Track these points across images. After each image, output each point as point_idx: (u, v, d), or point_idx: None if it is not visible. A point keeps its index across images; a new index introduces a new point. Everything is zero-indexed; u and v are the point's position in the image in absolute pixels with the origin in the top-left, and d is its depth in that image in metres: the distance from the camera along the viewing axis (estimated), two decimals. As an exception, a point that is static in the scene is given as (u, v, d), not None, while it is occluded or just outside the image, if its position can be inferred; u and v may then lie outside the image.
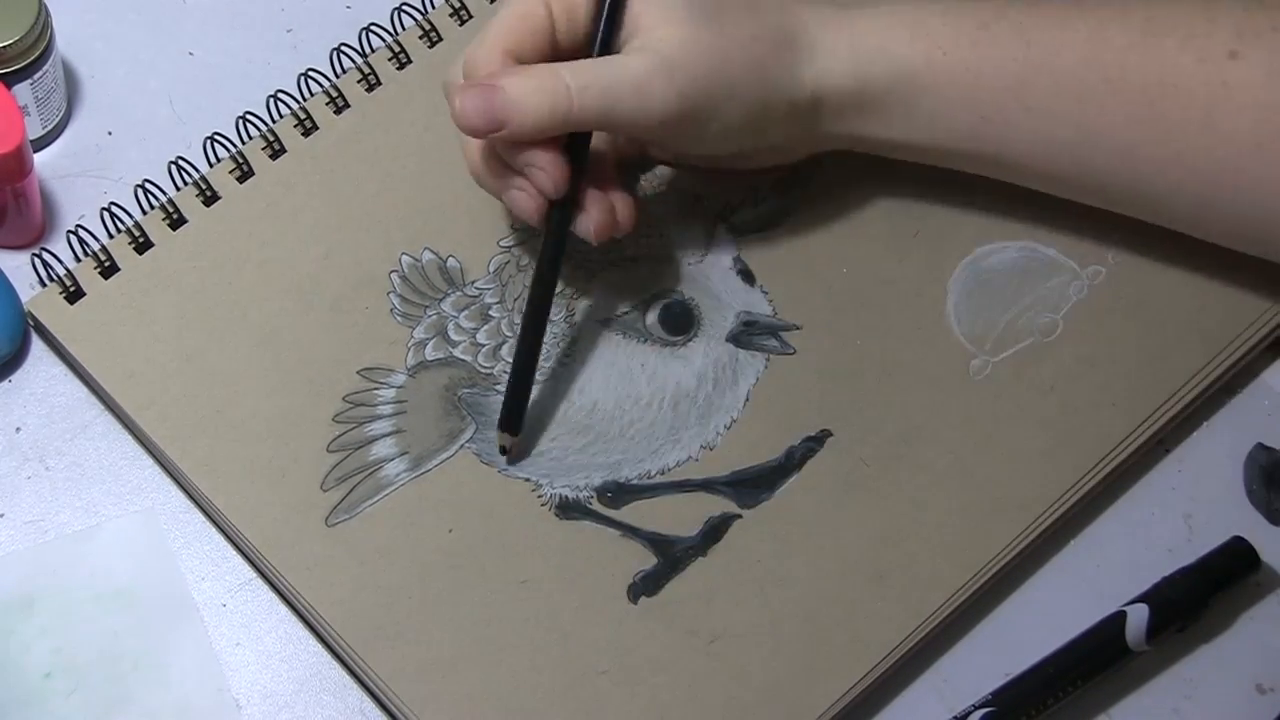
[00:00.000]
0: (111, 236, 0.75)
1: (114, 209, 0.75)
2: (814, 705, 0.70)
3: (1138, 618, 0.72)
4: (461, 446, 0.73)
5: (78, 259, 0.75)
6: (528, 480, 0.73)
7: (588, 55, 0.69)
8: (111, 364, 0.73)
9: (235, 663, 0.70)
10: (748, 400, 0.75)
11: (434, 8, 0.80)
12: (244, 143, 0.77)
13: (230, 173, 0.76)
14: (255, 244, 0.75)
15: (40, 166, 0.77)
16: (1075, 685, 0.71)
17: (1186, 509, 0.76)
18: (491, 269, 0.76)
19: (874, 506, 0.73)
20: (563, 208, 0.71)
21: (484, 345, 0.75)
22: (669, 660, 0.70)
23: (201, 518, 0.72)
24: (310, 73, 0.78)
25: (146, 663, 0.70)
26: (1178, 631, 0.73)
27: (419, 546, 0.71)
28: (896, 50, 0.71)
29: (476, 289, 0.76)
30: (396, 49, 0.79)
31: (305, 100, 0.78)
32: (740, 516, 0.73)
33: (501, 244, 0.76)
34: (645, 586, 0.72)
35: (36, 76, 0.75)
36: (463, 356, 0.74)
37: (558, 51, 0.70)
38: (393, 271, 0.75)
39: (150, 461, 0.73)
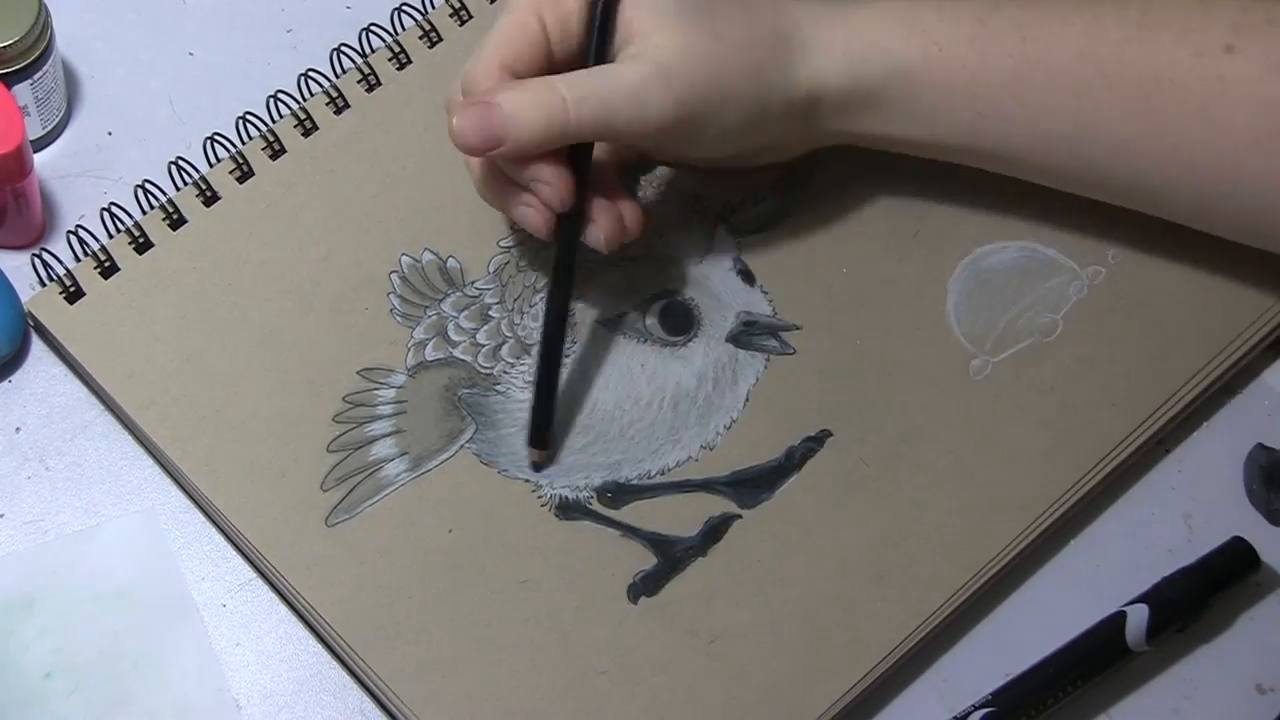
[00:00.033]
0: (111, 236, 0.75)
1: (114, 209, 0.75)
2: (814, 705, 0.70)
3: (1138, 618, 0.72)
4: (461, 447, 0.73)
5: (78, 259, 0.75)
6: (527, 480, 0.73)
7: (583, 66, 0.69)
8: (111, 364, 0.73)
9: (235, 663, 0.70)
10: (748, 400, 0.75)
11: (434, 8, 0.80)
12: (244, 143, 0.77)
13: (230, 173, 0.76)
14: (255, 244, 0.75)
15: (40, 166, 0.77)
16: (1075, 685, 0.71)
17: (1186, 509, 0.76)
18: (491, 269, 0.76)
19: (874, 506, 0.73)
20: (571, 220, 0.70)
21: (484, 345, 0.75)
22: (669, 660, 0.70)
23: (201, 518, 0.72)
24: (310, 73, 0.78)
25: (146, 663, 0.70)
26: (1178, 631, 0.73)
27: (419, 546, 0.71)
28: (892, 46, 0.71)
29: (476, 289, 0.75)
30: (396, 49, 0.79)
31: (305, 100, 0.78)
32: (740, 516, 0.73)
33: (501, 244, 0.76)
34: (645, 586, 0.72)
35: (36, 77, 0.75)
36: (463, 357, 0.74)
37: (554, 63, 0.70)
38: (392, 272, 0.75)
39: (150, 461, 0.73)
